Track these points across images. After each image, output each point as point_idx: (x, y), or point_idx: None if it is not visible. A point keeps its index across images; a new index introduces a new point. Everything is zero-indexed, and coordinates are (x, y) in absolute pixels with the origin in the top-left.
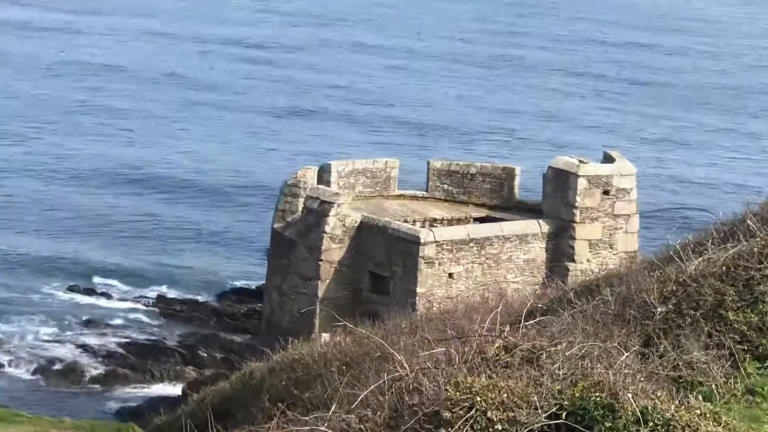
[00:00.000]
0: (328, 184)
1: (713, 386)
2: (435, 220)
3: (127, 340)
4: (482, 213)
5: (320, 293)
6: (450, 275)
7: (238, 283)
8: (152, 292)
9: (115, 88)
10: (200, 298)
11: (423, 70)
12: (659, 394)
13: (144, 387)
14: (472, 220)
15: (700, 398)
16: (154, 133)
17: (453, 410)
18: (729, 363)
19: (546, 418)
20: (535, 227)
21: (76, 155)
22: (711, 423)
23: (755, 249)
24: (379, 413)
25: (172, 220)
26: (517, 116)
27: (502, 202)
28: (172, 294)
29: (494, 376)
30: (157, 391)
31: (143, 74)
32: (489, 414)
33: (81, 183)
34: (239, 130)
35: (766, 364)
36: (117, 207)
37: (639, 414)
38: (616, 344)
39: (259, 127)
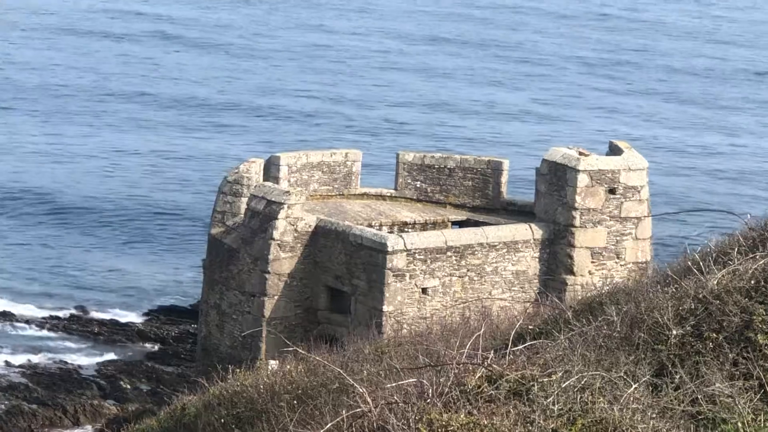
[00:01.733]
0: (276, 180)
1: (739, 424)
2: (405, 224)
3: (35, 369)
4: (462, 216)
5: (267, 312)
6: (423, 291)
7: (168, 300)
8: (64, 311)
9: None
10: (122, 318)
11: (388, 49)
12: None
13: (54, 427)
14: (450, 224)
15: None
16: (62, 122)
17: None
18: (758, 396)
19: None
20: (527, 233)
21: None
22: None
23: None
24: None
25: (88, 224)
26: (503, 99)
27: (487, 202)
28: (88, 313)
29: (475, 412)
30: (70, 431)
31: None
32: None
33: None
34: (164, 123)
35: None
36: (20, 206)
37: None
38: (622, 374)
39: (192, 118)
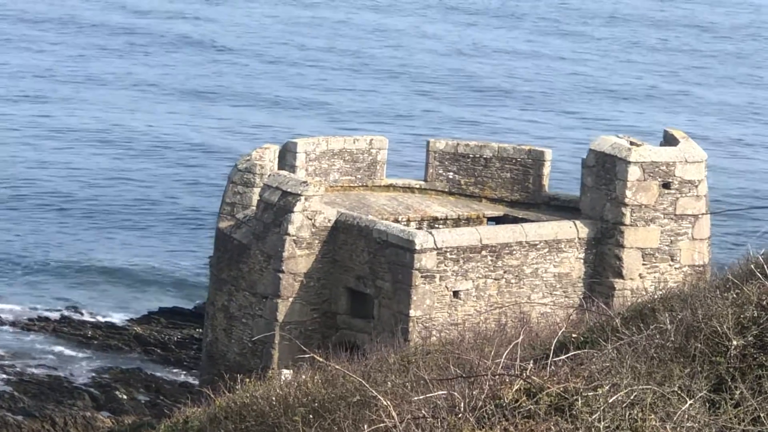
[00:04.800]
0: (292, 169)
1: None
2: (436, 219)
3: (21, 376)
4: (499, 211)
5: (280, 316)
6: (455, 294)
7: (170, 302)
8: (55, 312)
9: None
10: (119, 321)
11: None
12: None
13: None
14: (485, 220)
15: None
16: (56, 110)
17: None
18: None
19: None
20: (571, 231)
21: None
22: None
23: None
24: None
25: (81, 215)
26: (547, 82)
27: (527, 196)
28: (81, 314)
29: (512, 428)
30: None
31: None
32: None
33: None
34: (166, 109)
35: None
36: (11, 197)
37: None
38: (676, 388)
39: (198, 105)
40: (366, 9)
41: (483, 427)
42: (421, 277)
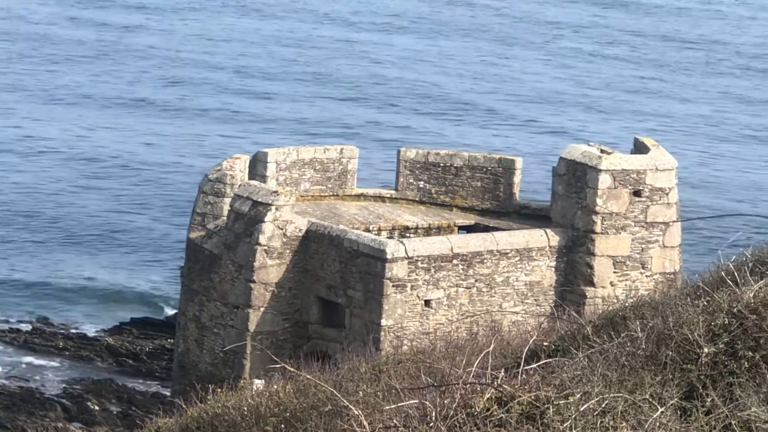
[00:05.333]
0: (263, 179)
1: None
2: (407, 228)
3: None
4: (470, 220)
5: (252, 326)
6: (426, 303)
7: (142, 312)
8: (26, 324)
9: None
10: (91, 332)
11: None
12: None
13: None
14: (456, 229)
15: None
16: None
17: None
18: None
19: None
20: (542, 239)
21: None
22: None
23: None
24: None
25: (50, 225)
26: (518, 91)
27: (498, 204)
28: (53, 326)
29: None
30: None
31: None
32: None
33: None
34: (134, 119)
35: None
36: None
37: None
38: (647, 396)
39: (166, 113)
40: (329, 23)
41: None
42: (393, 286)
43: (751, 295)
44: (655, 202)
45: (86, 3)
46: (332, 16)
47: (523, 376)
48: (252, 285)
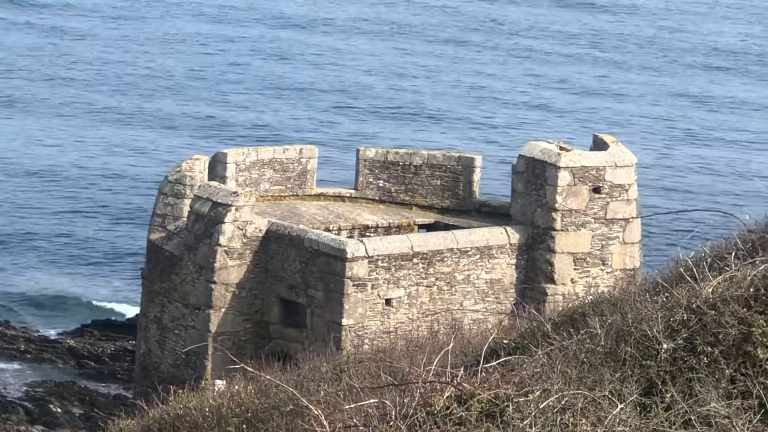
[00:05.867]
0: (223, 180)
1: None
2: (367, 228)
3: None
4: (430, 218)
5: (213, 327)
6: (387, 302)
7: (103, 314)
8: None
9: None
10: (52, 334)
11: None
12: None
13: None
14: (416, 227)
15: None
16: None
17: None
18: (759, 417)
19: None
20: (502, 237)
21: None
22: None
23: None
24: None
25: (12, 231)
26: (477, 90)
27: (457, 203)
28: (14, 329)
29: None
30: None
31: None
32: None
33: None
34: (96, 117)
35: None
36: None
37: None
38: (607, 393)
39: (127, 112)
40: (284, 26)
41: None
42: (353, 285)
43: (710, 290)
44: (614, 199)
45: (30, 8)
46: (286, 19)
47: (483, 374)
48: (213, 286)
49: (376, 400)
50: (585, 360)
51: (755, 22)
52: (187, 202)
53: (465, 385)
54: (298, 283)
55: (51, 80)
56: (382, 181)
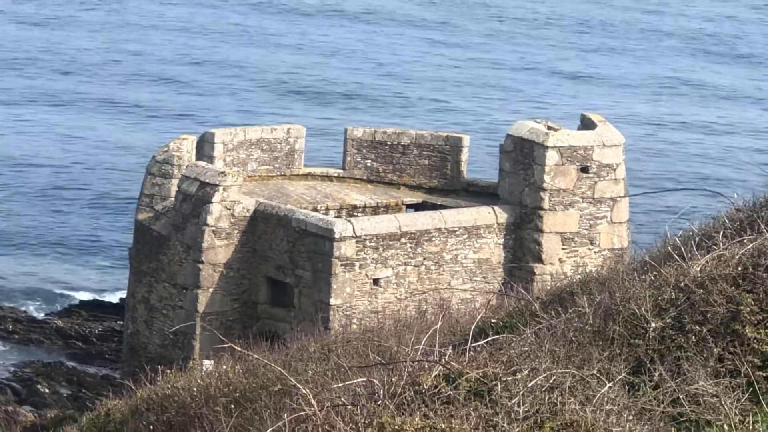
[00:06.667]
0: (210, 159)
1: (725, 426)
2: (355, 207)
3: None
4: (418, 198)
5: (201, 307)
6: (375, 281)
7: (91, 295)
8: None
9: None
10: (40, 314)
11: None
12: None
13: None
14: (404, 207)
15: None
16: None
17: None
18: (747, 395)
19: None
20: (489, 217)
21: None
22: None
23: None
24: None
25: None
26: (464, 69)
27: (445, 182)
28: (1, 309)
29: (432, 414)
30: None
31: None
32: None
33: None
34: (83, 97)
35: None
36: None
37: None
38: (595, 371)
39: (112, 93)
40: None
41: (402, 414)
42: (341, 265)
43: (698, 269)
44: (602, 178)
45: None
46: (268, 5)
47: (471, 353)
48: (200, 266)
49: (365, 379)
50: (573, 339)
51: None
52: (175, 182)
53: (453, 364)
54: (285, 263)
55: (31, 66)
56: (369, 161)
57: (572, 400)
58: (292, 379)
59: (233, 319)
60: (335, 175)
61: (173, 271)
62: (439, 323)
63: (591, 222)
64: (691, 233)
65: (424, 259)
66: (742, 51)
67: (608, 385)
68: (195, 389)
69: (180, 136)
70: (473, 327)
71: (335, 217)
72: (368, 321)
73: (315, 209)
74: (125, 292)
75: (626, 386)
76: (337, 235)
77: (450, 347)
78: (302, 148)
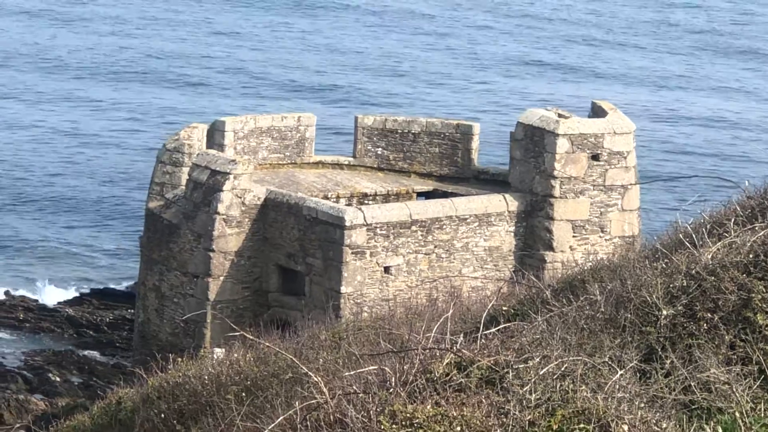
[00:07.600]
0: (221, 148)
1: (737, 414)
2: (365, 195)
3: None
4: (429, 186)
5: (212, 295)
6: (386, 269)
7: (102, 283)
8: None
9: None
10: (51, 303)
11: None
12: (665, 425)
13: None
14: (415, 195)
15: (719, 430)
16: None
17: None
18: (758, 383)
19: None
20: (500, 204)
21: None
22: None
23: None
24: None
25: (7, 195)
26: (475, 58)
27: (456, 170)
28: (12, 298)
29: (443, 402)
30: None
31: None
32: None
33: None
34: (95, 86)
35: None
36: None
37: None
38: (606, 359)
39: (127, 80)
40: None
41: (414, 402)
42: (352, 253)
43: (709, 256)
44: (613, 166)
45: None
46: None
47: (483, 340)
48: (211, 254)
49: (376, 367)
50: (584, 326)
51: None
52: (186, 170)
53: (465, 351)
54: (296, 251)
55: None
56: (380, 149)
57: (584, 387)
58: (304, 367)
59: (244, 307)
60: (346, 163)
61: (184, 259)
62: (451, 311)
63: (602, 209)
64: (702, 221)
65: (435, 247)
66: (755, 45)
67: (620, 373)
68: (206, 377)
69: (190, 124)
70: (484, 315)
71: (346, 205)
72: (379, 309)
73: (326, 197)
74: (136, 280)
75: (638, 374)
76: (348, 223)
77: (461, 335)
78: (313, 136)
